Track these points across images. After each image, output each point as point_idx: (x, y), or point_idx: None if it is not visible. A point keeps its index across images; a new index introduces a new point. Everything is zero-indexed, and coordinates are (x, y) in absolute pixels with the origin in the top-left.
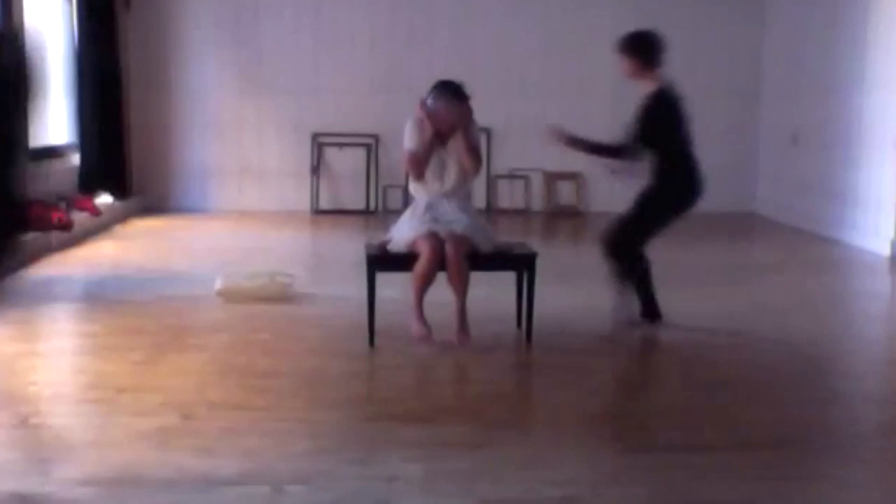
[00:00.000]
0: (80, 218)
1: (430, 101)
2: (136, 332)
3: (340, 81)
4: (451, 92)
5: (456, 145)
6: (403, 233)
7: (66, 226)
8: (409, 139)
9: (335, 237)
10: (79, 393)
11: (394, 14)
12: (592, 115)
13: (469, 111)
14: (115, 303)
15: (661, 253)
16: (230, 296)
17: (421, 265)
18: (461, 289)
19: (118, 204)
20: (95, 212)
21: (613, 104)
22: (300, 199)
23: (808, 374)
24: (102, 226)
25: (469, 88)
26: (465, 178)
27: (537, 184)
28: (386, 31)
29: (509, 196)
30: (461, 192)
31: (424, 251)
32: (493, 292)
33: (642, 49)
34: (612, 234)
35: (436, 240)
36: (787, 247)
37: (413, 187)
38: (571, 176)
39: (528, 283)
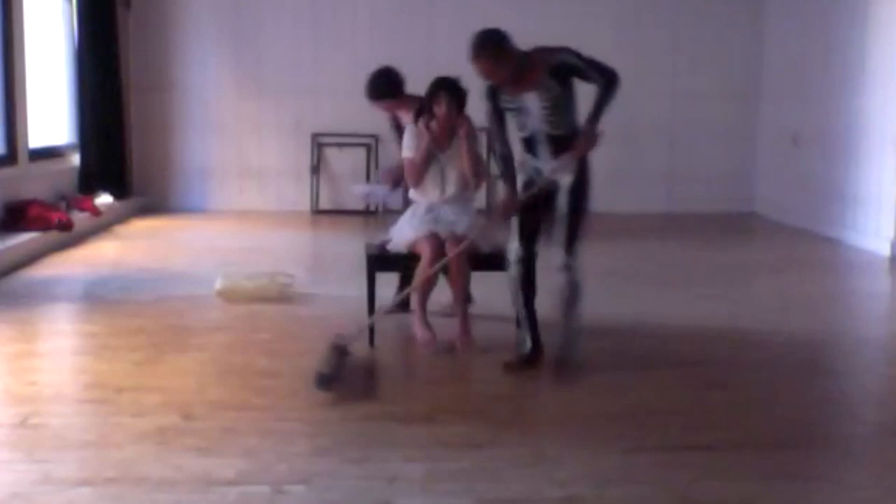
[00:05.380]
0: (80, 218)
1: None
2: (136, 332)
3: (340, 81)
4: (448, 86)
5: (455, 153)
6: (404, 233)
7: (66, 226)
8: (407, 147)
9: (335, 237)
10: (79, 393)
11: (394, 14)
12: None
13: (465, 121)
14: (115, 303)
15: (661, 253)
16: (230, 296)
17: (423, 269)
18: (462, 290)
19: (118, 204)
20: (95, 212)
21: (613, 103)
22: (300, 199)
23: (808, 374)
24: (102, 226)
25: (466, 82)
26: (465, 187)
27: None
28: (386, 30)
29: None
30: (462, 197)
31: (425, 252)
32: (493, 292)
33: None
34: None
35: (436, 240)
36: (787, 247)
37: (413, 194)
38: None
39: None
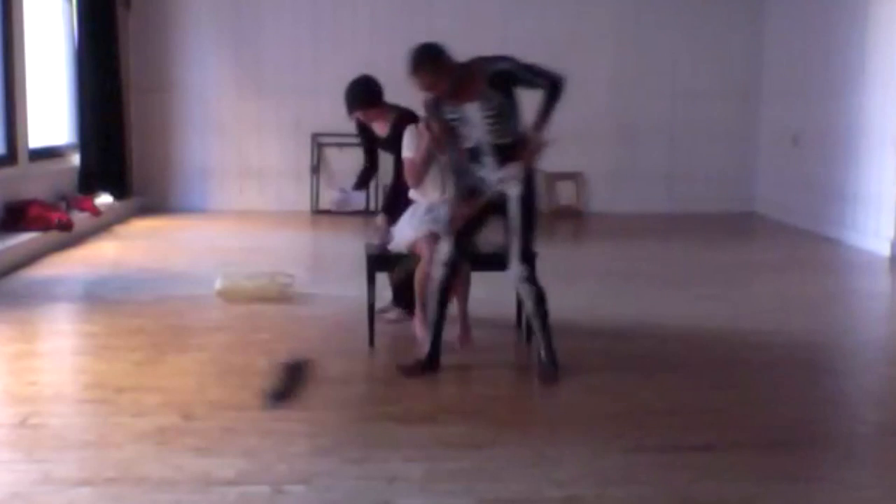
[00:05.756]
0: (80, 218)
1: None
2: (136, 332)
3: (340, 81)
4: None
5: None
6: (404, 233)
7: (66, 226)
8: (407, 147)
9: (335, 237)
10: (79, 393)
11: (394, 14)
12: (593, 114)
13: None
14: (115, 303)
15: (661, 253)
16: (230, 296)
17: (423, 269)
18: (462, 290)
19: (118, 204)
20: (95, 212)
21: (613, 103)
22: (300, 199)
23: (808, 374)
24: (102, 226)
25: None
26: None
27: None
28: (386, 31)
29: None
30: None
31: (425, 253)
32: (493, 292)
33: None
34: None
35: (436, 241)
36: (787, 247)
37: (414, 194)
38: (571, 176)
39: None
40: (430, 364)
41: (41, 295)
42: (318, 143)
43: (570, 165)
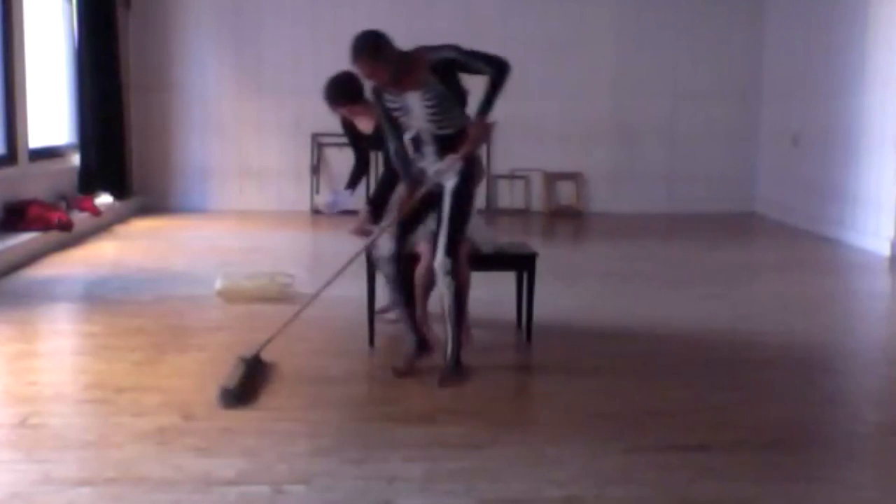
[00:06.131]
0: (80, 218)
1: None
2: (136, 332)
3: None
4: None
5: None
6: None
7: (66, 226)
8: None
9: (335, 237)
10: (79, 393)
11: (394, 14)
12: (593, 115)
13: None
14: (115, 303)
15: (661, 253)
16: (230, 296)
17: (422, 270)
18: (462, 290)
19: (118, 204)
20: (95, 212)
21: (613, 104)
22: (300, 199)
23: (808, 373)
24: (102, 226)
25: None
26: None
27: (537, 184)
28: (386, 31)
29: (509, 196)
30: None
31: (424, 253)
32: (493, 292)
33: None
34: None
35: (436, 241)
36: (787, 247)
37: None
38: (571, 176)
39: (528, 284)
40: (421, 348)
41: (41, 295)
42: (318, 143)
43: (570, 165)
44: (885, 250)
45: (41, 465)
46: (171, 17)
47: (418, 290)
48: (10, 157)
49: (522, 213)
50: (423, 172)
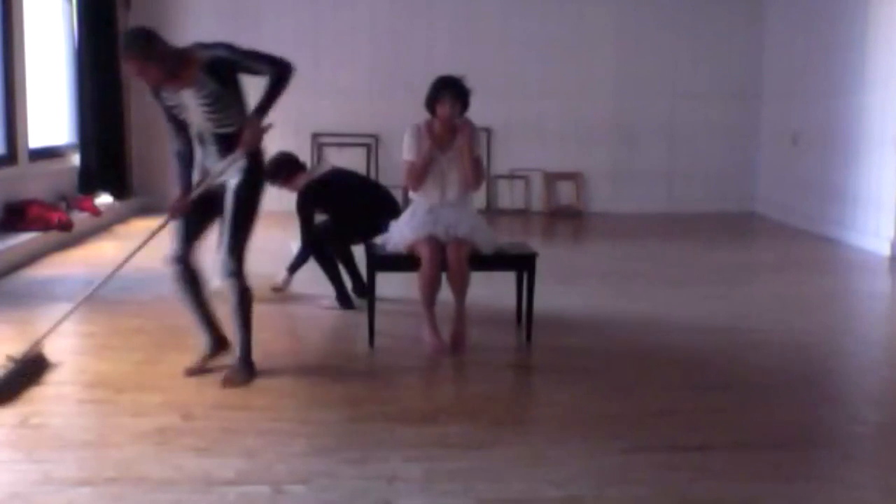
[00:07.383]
0: (80, 218)
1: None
2: (136, 332)
3: (340, 81)
4: (452, 86)
5: (456, 156)
6: (403, 234)
7: (66, 226)
8: (407, 150)
9: None
10: (79, 393)
11: (394, 14)
12: (593, 115)
13: (467, 122)
14: (115, 303)
15: (661, 253)
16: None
17: (423, 272)
18: (461, 292)
19: (118, 204)
20: (95, 212)
21: (613, 104)
22: None
23: (808, 373)
24: (102, 226)
25: (469, 81)
26: (466, 189)
27: (537, 184)
28: (386, 31)
29: (509, 196)
30: (463, 199)
31: (424, 255)
32: (493, 292)
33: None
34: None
35: (435, 243)
36: (787, 247)
37: (413, 195)
38: (571, 176)
39: (528, 284)
40: (217, 346)
41: (41, 295)
42: (318, 143)
43: (569, 165)
44: (885, 250)
45: (41, 465)
46: (171, 17)
47: (425, 291)
48: (10, 157)
49: (522, 213)
50: (206, 172)
